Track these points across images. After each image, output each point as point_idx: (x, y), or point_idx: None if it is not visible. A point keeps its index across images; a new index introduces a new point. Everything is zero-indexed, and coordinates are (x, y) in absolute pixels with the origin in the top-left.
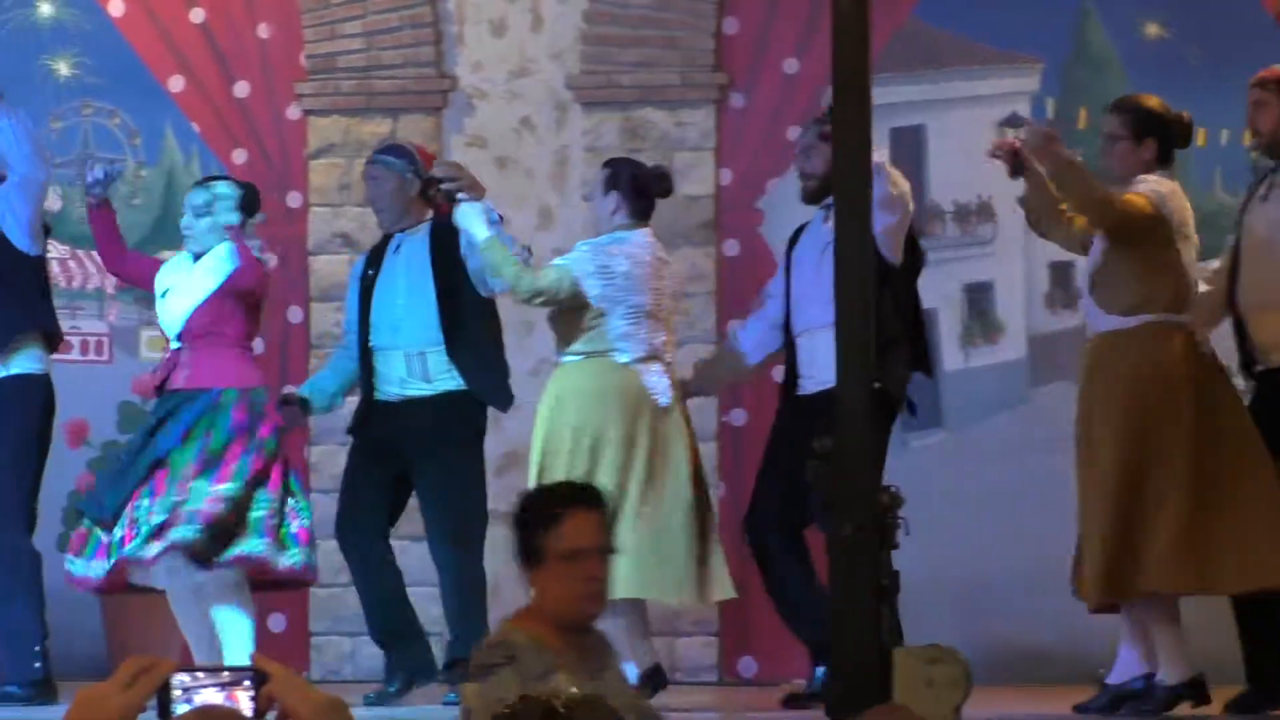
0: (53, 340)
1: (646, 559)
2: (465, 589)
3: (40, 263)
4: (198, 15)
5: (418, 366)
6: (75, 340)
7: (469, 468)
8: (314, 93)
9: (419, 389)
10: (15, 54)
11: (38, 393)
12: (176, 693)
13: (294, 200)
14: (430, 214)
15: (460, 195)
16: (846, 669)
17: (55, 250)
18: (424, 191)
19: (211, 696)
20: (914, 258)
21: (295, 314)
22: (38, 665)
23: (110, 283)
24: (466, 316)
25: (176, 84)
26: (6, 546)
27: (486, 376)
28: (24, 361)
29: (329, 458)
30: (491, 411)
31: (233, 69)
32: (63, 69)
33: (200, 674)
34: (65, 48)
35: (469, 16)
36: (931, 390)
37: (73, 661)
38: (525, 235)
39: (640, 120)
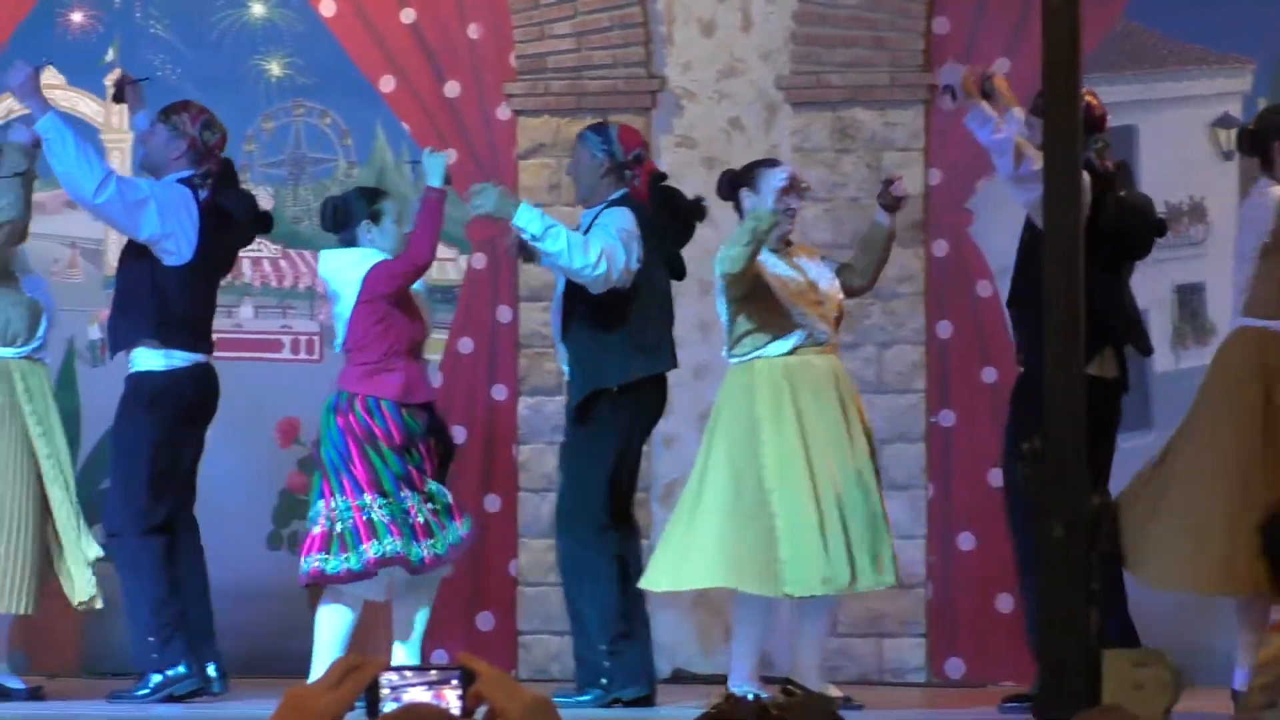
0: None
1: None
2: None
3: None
4: (408, 15)
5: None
6: (286, 339)
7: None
8: (524, 93)
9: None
10: (228, 54)
11: (145, 390)
12: (385, 691)
13: None
14: (613, 194)
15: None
16: (1055, 671)
17: (266, 250)
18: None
19: (419, 695)
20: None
21: (504, 314)
22: (154, 656)
23: (321, 281)
24: (581, 304)
25: (387, 84)
26: (124, 548)
27: (580, 367)
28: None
29: (538, 457)
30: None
31: (443, 69)
32: (274, 69)
33: (408, 673)
34: (277, 48)
35: (678, 16)
36: (1141, 392)
37: (282, 660)
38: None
39: (849, 120)
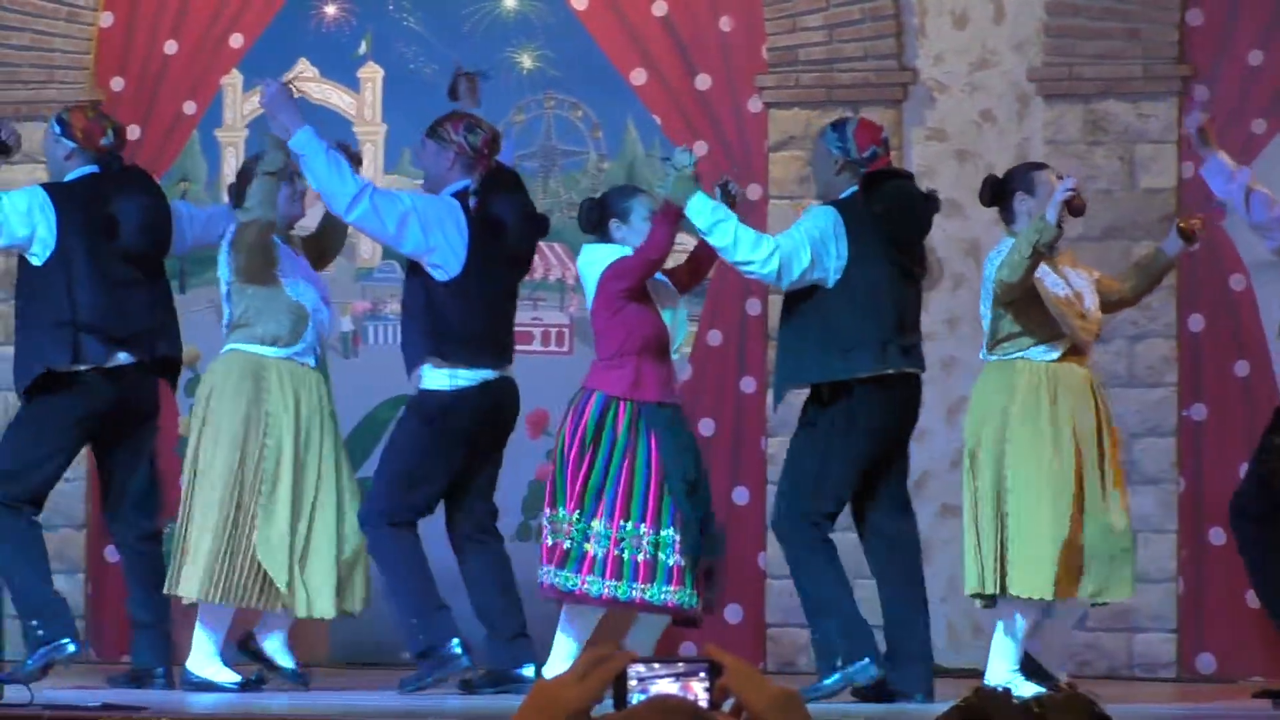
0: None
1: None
2: None
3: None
4: (660, 8)
5: None
6: (536, 331)
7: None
8: (775, 85)
9: None
10: (480, 47)
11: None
12: (632, 683)
13: (754, 192)
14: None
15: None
16: None
17: None
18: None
19: (667, 687)
20: None
21: (754, 306)
22: (420, 636)
23: (571, 274)
24: (790, 298)
25: (638, 77)
26: (374, 540)
27: (781, 364)
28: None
29: (786, 449)
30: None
31: (694, 61)
32: (526, 62)
33: (656, 665)
34: (529, 41)
35: (930, 9)
36: None
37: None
38: (985, 230)
39: (1102, 113)
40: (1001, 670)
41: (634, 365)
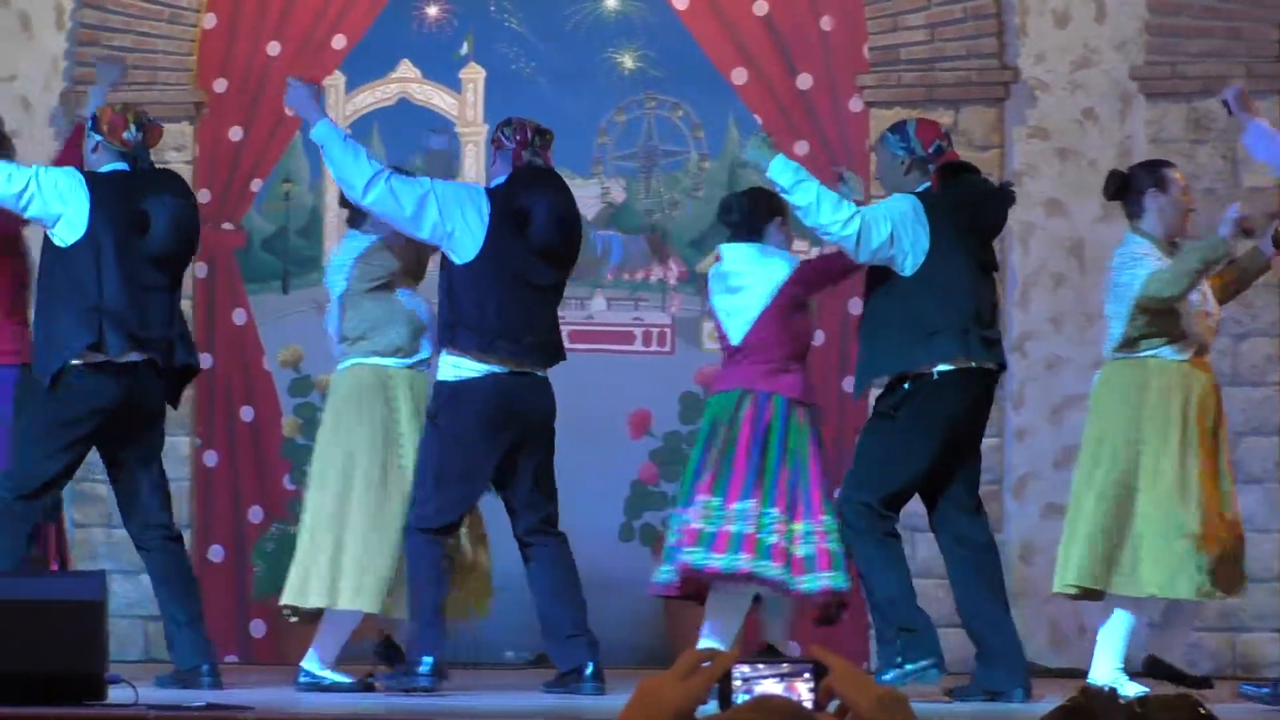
0: (458, 343)
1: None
2: None
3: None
4: (761, 8)
5: None
6: (638, 331)
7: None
8: (876, 84)
9: None
10: (580, 47)
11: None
12: (737, 683)
13: None
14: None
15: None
16: None
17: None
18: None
19: (771, 688)
20: None
21: (855, 305)
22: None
23: (673, 274)
24: (869, 290)
25: (739, 76)
26: (408, 545)
27: (861, 355)
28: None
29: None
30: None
31: (795, 61)
32: (627, 62)
33: (760, 665)
34: (630, 41)
35: (1032, 8)
36: None
37: (634, 651)
38: (1089, 228)
39: (1204, 111)
40: (1107, 668)
41: (801, 369)
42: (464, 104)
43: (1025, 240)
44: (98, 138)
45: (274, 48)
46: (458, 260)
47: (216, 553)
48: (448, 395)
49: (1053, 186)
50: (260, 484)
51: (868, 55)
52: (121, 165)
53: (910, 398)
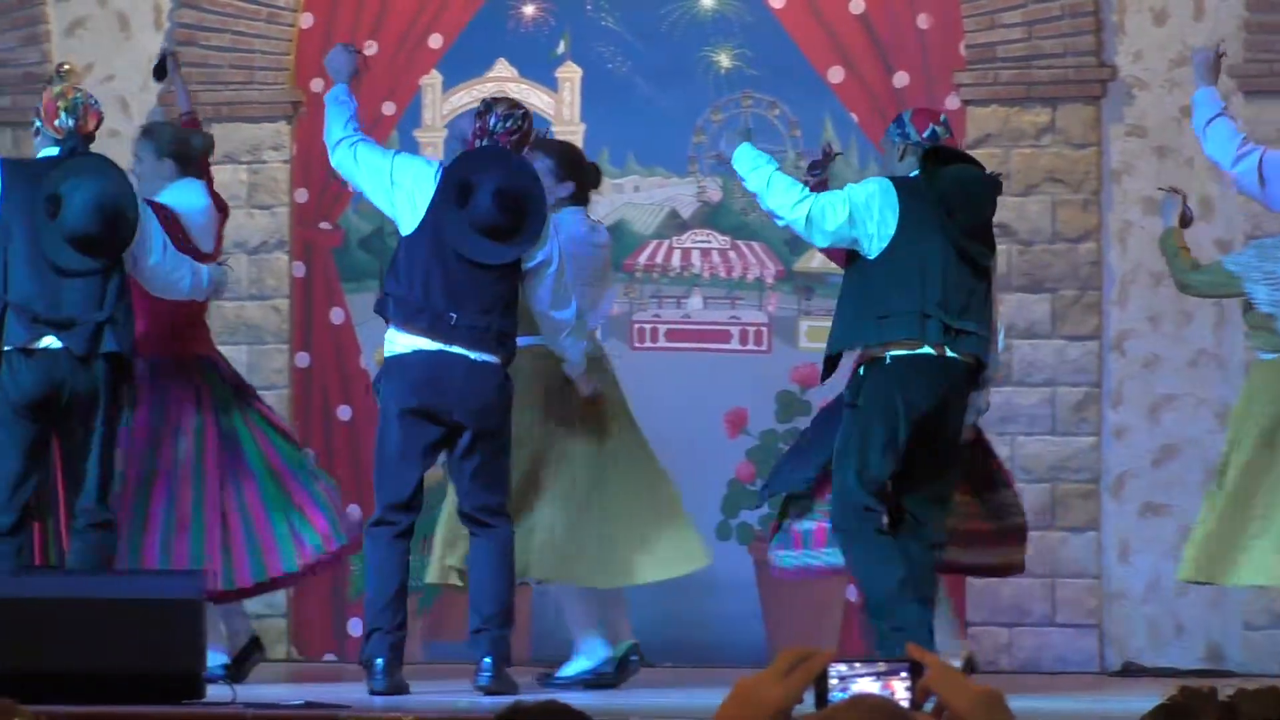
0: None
1: None
2: None
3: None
4: (857, 6)
5: None
6: (734, 330)
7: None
8: (973, 82)
9: None
10: (677, 46)
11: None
12: (833, 682)
13: None
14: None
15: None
16: None
17: (715, 241)
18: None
19: (867, 686)
20: None
21: None
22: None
23: (770, 273)
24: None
25: (836, 75)
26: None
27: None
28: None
29: None
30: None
31: (892, 59)
32: (723, 61)
33: (857, 664)
34: (726, 40)
35: (1129, 5)
36: None
37: (731, 649)
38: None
39: None
40: None
41: None
42: (560, 103)
43: (1123, 239)
44: (36, 122)
45: (371, 47)
46: (401, 232)
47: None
48: (384, 370)
49: (1150, 185)
50: (357, 482)
51: (964, 53)
52: (52, 151)
53: (864, 383)
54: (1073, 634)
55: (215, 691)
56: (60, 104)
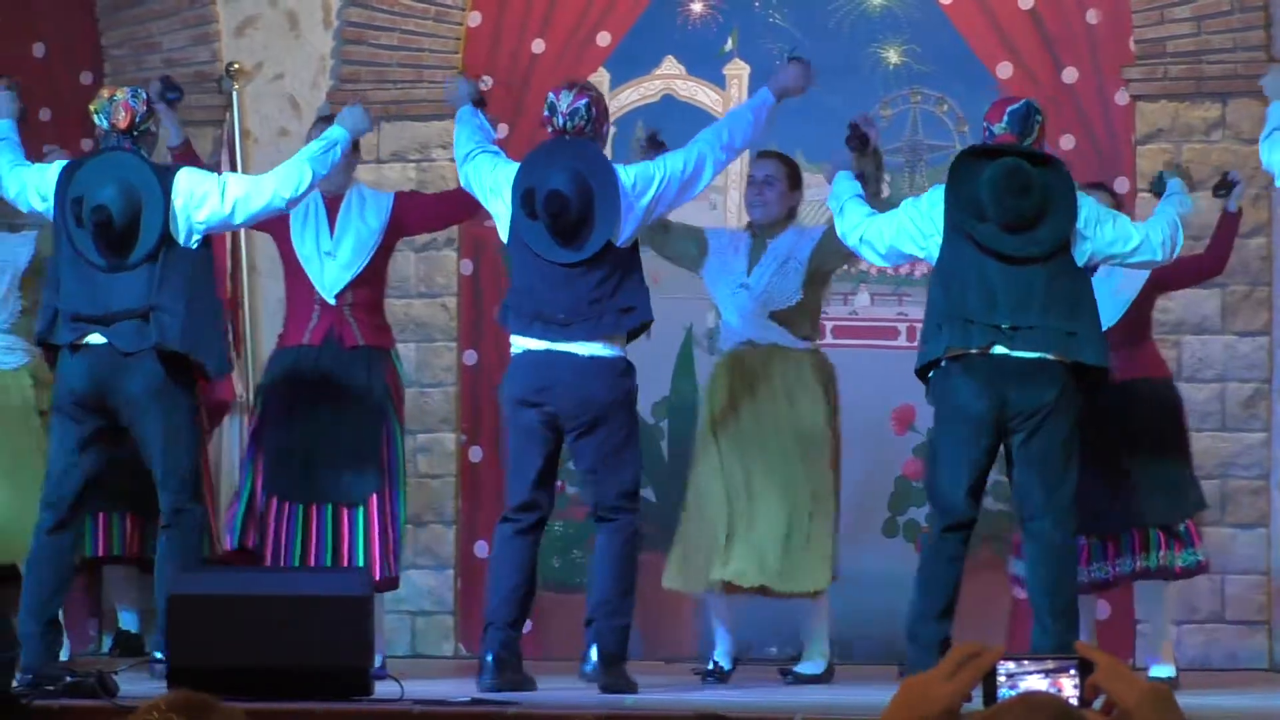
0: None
1: None
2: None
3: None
4: (1027, 2)
5: None
6: (902, 326)
7: None
8: (1142, 78)
9: None
10: (846, 42)
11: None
12: (1001, 679)
13: (1121, 186)
14: None
15: None
16: None
17: None
18: None
19: (1036, 683)
20: None
21: None
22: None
23: None
24: None
25: (1004, 70)
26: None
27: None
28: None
29: None
30: None
31: (1060, 55)
32: (892, 57)
33: (1026, 661)
34: (895, 36)
35: None
36: None
37: (899, 646)
38: None
39: None
40: None
41: None
42: (728, 100)
43: None
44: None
45: (538, 45)
46: (501, 239)
47: (481, 548)
48: (505, 375)
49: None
50: None
51: (1134, 48)
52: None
53: (930, 391)
54: (1242, 631)
55: (383, 688)
56: (93, 107)
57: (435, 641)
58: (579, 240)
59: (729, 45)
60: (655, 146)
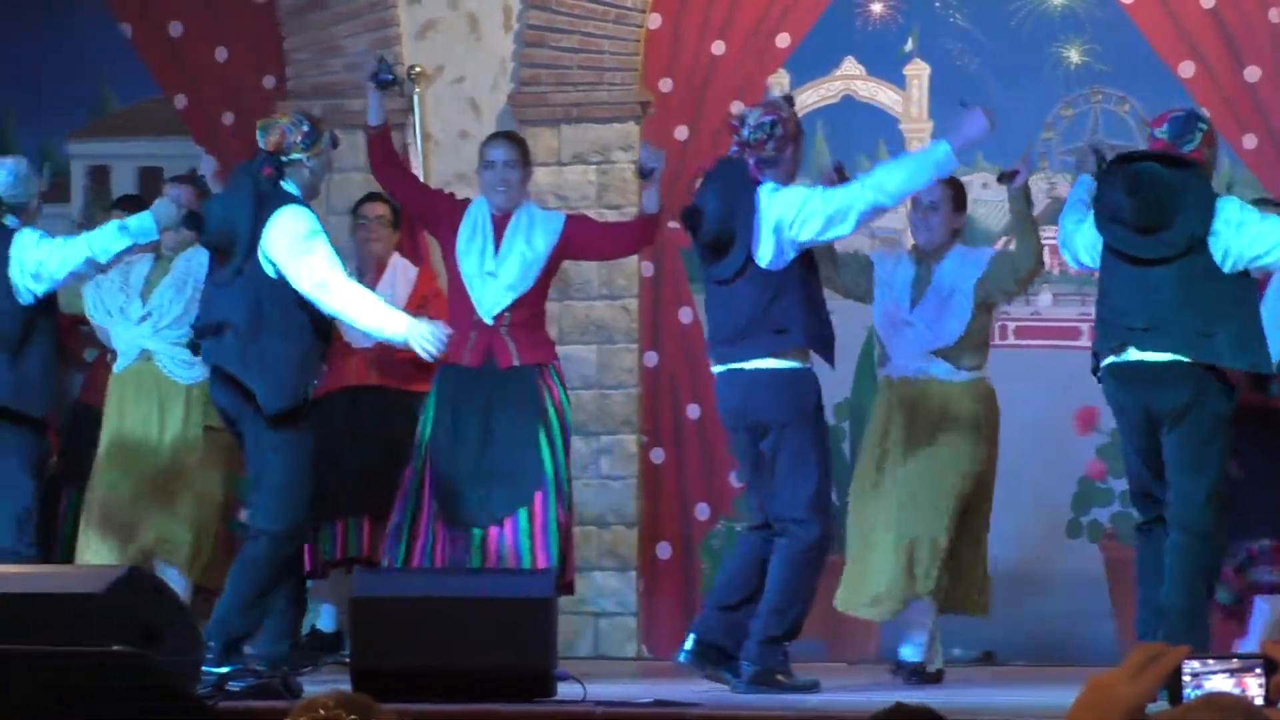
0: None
1: None
2: None
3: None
4: (1208, 0)
5: None
6: (1084, 327)
7: None
8: None
9: None
10: (1026, 43)
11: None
12: (1187, 679)
13: None
14: None
15: None
16: None
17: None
18: None
19: (1221, 683)
20: None
21: None
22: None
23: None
24: None
25: (1186, 70)
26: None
27: None
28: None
29: None
30: None
31: (1243, 54)
32: (1073, 56)
33: (1211, 661)
34: (1076, 35)
35: None
36: None
37: (1080, 647)
38: None
39: None
40: None
41: None
42: (908, 100)
43: None
44: None
45: (718, 47)
46: None
47: (663, 550)
48: None
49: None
50: (706, 481)
51: None
52: None
53: (1103, 393)
54: None
55: (565, 690)
56: (260, 123)
57: (618, 643)
58: (724, 258)
59: (909, 45)
60: (840, 176)
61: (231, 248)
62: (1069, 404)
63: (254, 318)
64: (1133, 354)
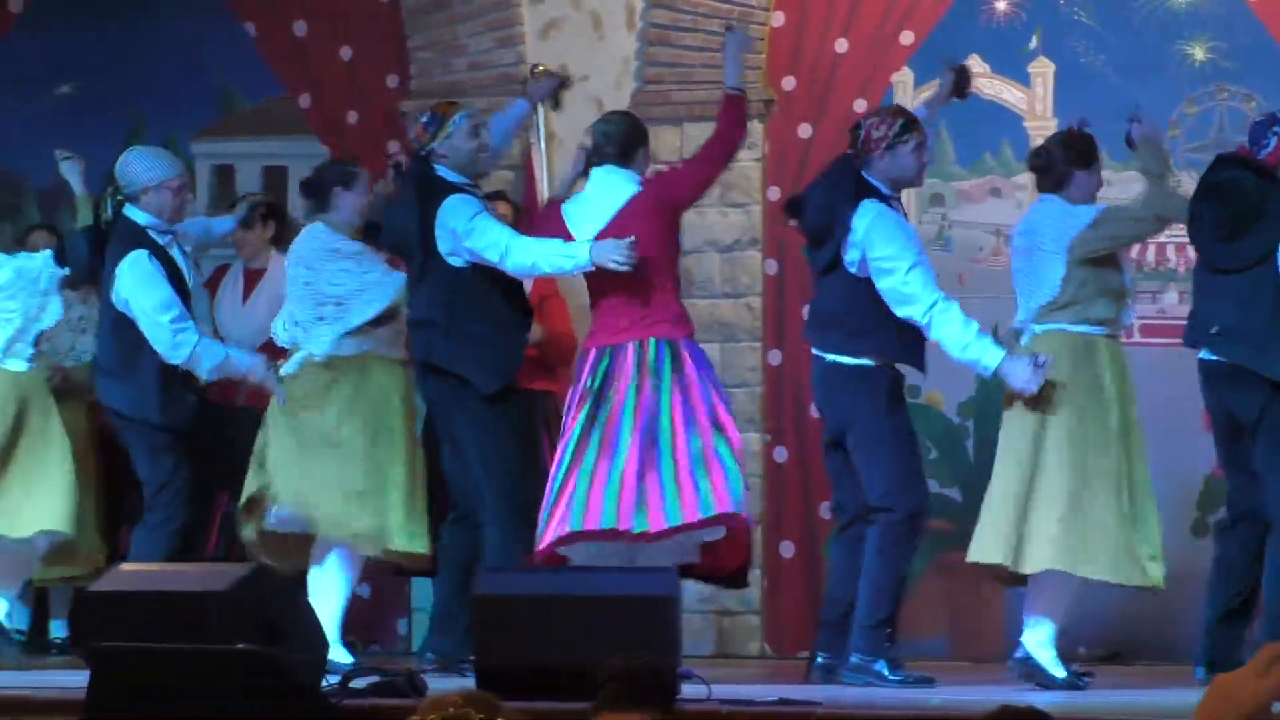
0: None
1: None
2: None
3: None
4: None
5: None
6: None
7: None
8: None
9: None
10: (1150, 40)
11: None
12: None
13: None
14: None
15: None
16: None
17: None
18: None
19: None
20: None
21: None
22: None
23: None
24: None
25: None
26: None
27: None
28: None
29: None
30: None
31: None
32: (1198, 53)
33: None
34: (1200, 32)
35: None
36: None
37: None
38: None
39: None
40: None
41: None
42: (1033, 98)
43: None
44: None
45: (841, 45)
46: None
47: (787, 548)
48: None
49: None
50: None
51: None
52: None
53: None
54: None
55: (689, 689)
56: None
57: (742, 641)
58: (820, 249)
59: (1033, 43)
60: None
61: (408, 250)
62: (1196, 403)
63: (449, 310)
64: (1207, 355)
